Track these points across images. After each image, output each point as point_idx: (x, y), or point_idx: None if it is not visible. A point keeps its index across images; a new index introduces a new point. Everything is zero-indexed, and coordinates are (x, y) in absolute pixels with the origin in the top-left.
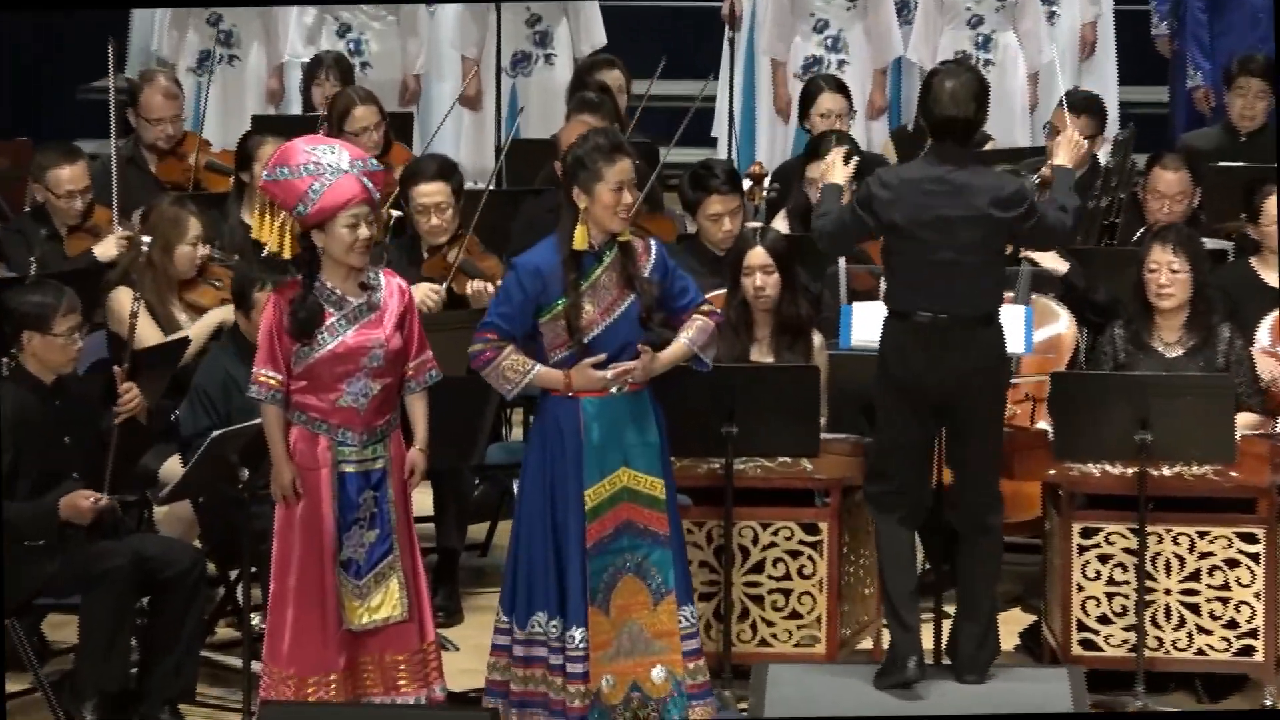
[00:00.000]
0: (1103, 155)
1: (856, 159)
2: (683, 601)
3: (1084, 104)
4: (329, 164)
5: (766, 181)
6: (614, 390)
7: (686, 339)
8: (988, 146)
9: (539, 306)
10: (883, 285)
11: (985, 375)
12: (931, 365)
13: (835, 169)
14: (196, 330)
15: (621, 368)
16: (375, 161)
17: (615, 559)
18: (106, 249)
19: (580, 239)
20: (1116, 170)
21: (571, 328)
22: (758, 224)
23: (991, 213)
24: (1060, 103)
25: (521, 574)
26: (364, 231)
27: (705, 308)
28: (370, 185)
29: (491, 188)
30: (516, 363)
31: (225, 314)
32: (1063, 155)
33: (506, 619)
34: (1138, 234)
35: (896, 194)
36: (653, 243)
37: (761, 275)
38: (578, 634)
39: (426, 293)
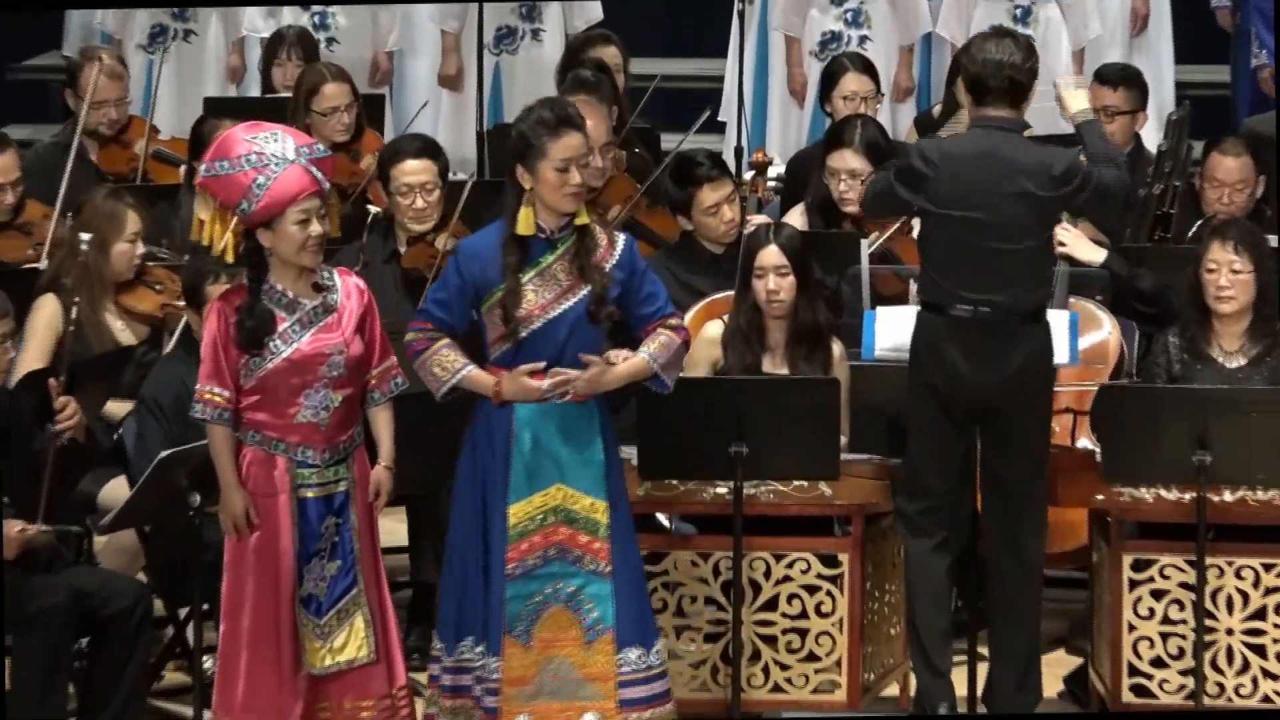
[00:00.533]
0: (1149, 138)
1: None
2: (626, 642)
3: (1120, 76)
4: (273, 153)
5: (772, 171)
6: (556, 398)
7: (647, 354)
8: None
9: (479, 294)
10: (913, 287)
11: (1031, 379)
12: (971, 365)
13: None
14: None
15: (561, 376)
16: (323, 147)
17: (542, 586)
18: None
19: (524, 223)
20: (1170, 154)
21: (507, 316)
22: (768, 219)
23: (1042, 192)
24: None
25: (452, 595)
26: (315, 228)
27: (673, 321)
28: (320, 175)
29: (475, 178)
30: (446, 359)
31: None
32: (1074, 102)
33: (440, 644)
34: (1194, 226)
35: (937, 171)
36: (621, 238)
37: (775, 278)
38: (493, 663)
39: None
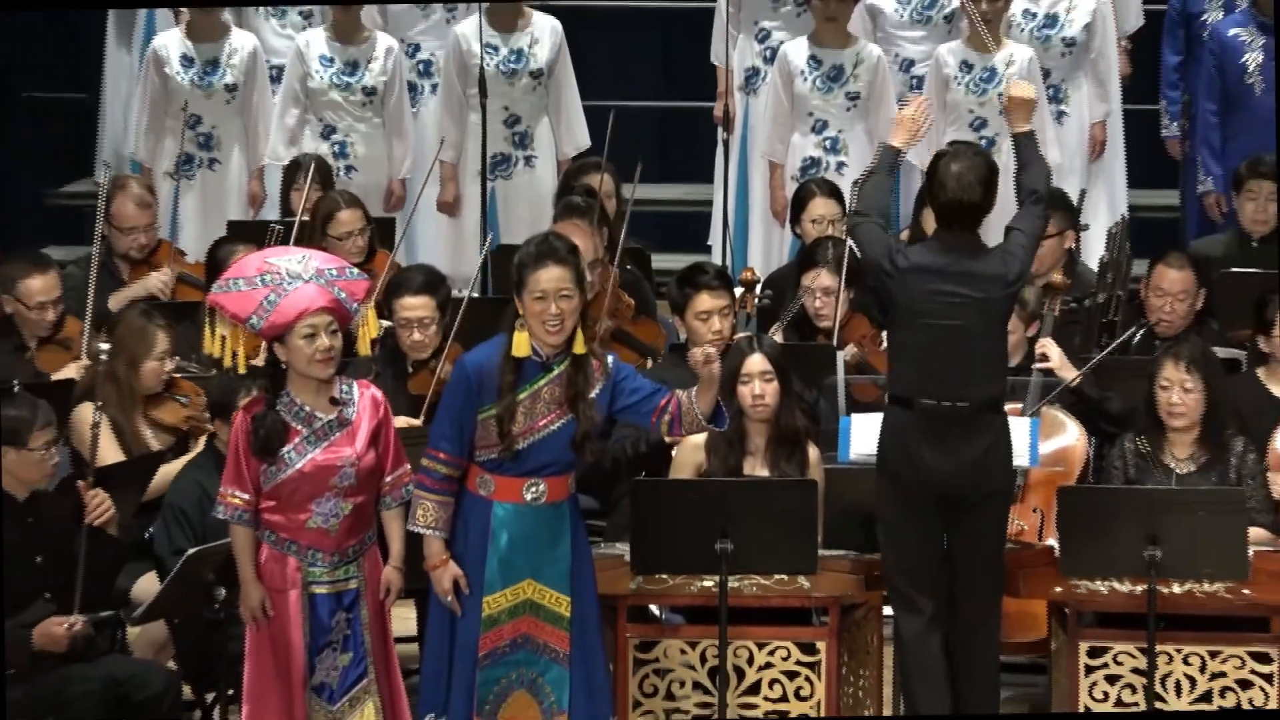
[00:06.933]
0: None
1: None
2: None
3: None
4: (289, 272)
5: (758, 289)
6: (528, 499)
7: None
8: None
9: (479, 405)
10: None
11: (991, 467)
12: (936, 455)
13: (899, 135)
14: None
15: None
16: (356, 270)
17: (509, 672)
18: (65, 372)
19: (519, 345)
20: (1112, 265)
21: (502, 433)
22: (751, 333)
23: (997, 296)
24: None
25: (426, 673)
26: (323, 341)
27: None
28: (342, 294)
29: (475, 295)
30: (430, 510)
31: (175, 467)
32: (1018, 119)
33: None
34: (1138, 334)
35: (903, 277)
36: (611, 359)
37: (760, 383)
38: None
39: None
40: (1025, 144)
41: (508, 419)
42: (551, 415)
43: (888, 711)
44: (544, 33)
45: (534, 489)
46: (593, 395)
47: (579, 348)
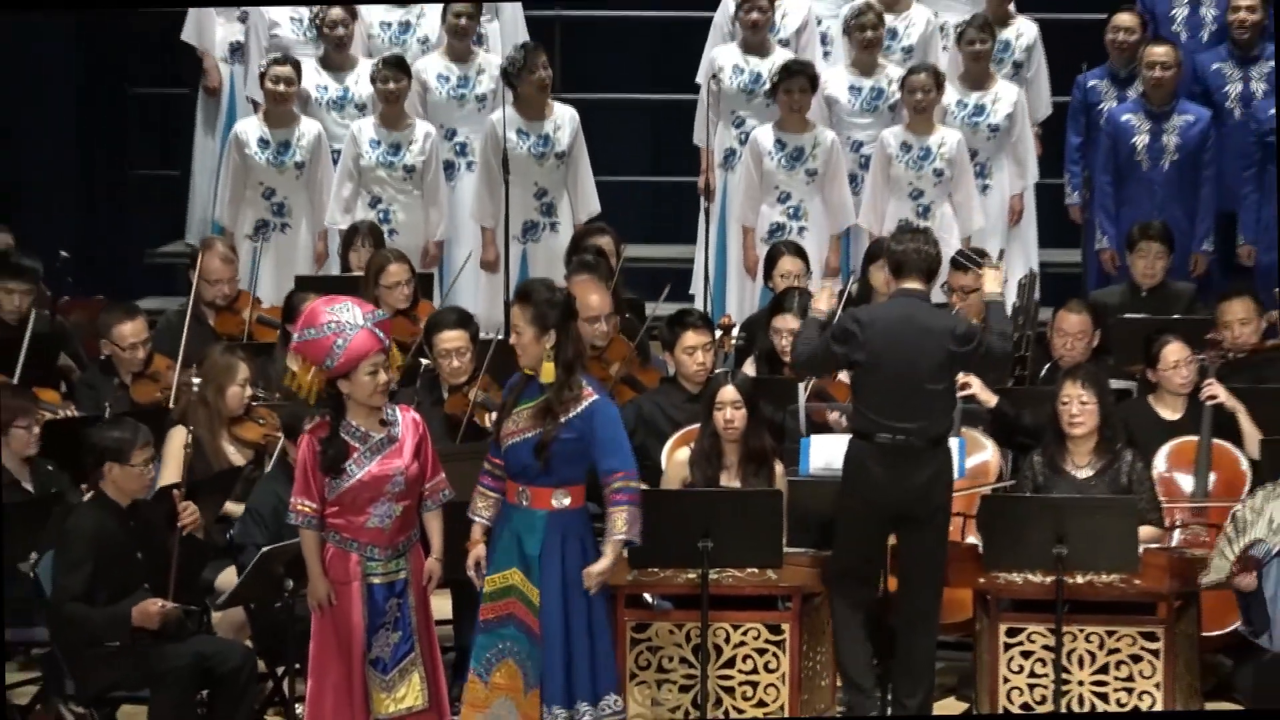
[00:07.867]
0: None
1: (842, 298)
2: (551, 700)
3: (978, 259)
4: (347, 321)
5: (735, 331)
6: (516, 501)
7: (615, 536)
8: None
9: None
10: (832, 415)
11: (936, 491)
12: (890, 480)
13: (822, 301)
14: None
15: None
16: (382, 312)
17: (501, 642)
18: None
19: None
20: (1022, 310)
21: (496, 431)
22: (727, 368)
23: (950, 349)
24: (954, 261)
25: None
26: (383, 377)
27: (617, 484)
28: (382, 335)
29: (501, 337)
30: (480, 501)
31: (234, 509)
32: (991, 286)
33: None
34: (1045, 368)
35: (868, 332)
36: (593, 401)
37: (731, 410)
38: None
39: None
40: (993, 307)
41: (502, 419)
42: (529, 426)
43: (840, 681)
44: (565, 120)
45: (522, 494)
46: (562, 419)
47: (544, 376)
